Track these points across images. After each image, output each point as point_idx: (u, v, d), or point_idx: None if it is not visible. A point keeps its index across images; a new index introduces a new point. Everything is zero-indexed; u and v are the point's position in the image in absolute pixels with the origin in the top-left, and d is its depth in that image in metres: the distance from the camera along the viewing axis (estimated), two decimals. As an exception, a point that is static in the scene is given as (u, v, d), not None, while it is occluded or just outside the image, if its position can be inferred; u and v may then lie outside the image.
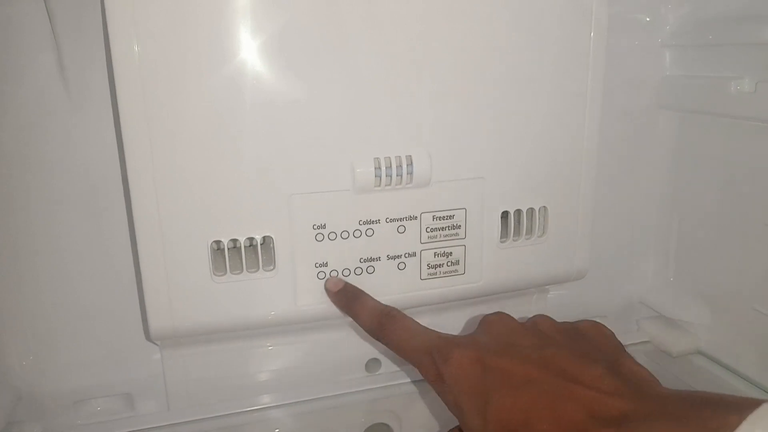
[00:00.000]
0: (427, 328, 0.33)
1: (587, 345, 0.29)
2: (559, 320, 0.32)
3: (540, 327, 0.30)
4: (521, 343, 0.29)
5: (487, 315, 0.32)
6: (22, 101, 0.39)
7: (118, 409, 0.45)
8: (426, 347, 0.31)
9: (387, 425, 0.49)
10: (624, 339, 0.53)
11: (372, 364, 0.48)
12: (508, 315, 0.32)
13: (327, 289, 0.40)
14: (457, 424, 0.31)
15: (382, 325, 0.35)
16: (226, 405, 0.44)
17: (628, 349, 0.52)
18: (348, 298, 0.39)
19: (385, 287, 0.42)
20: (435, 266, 0.42)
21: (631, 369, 0.27)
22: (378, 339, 0.35)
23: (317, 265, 0.40)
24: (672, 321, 0.53)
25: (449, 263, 0.43)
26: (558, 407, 0.25)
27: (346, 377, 0.47)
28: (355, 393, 0.47)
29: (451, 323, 0.48)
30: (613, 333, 0.31)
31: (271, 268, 0.39)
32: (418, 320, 0.46)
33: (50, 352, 0.43)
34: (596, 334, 0.30)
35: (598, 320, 0.32)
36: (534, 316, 0.32)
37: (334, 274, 0.40)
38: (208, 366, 0.44)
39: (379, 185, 0.39)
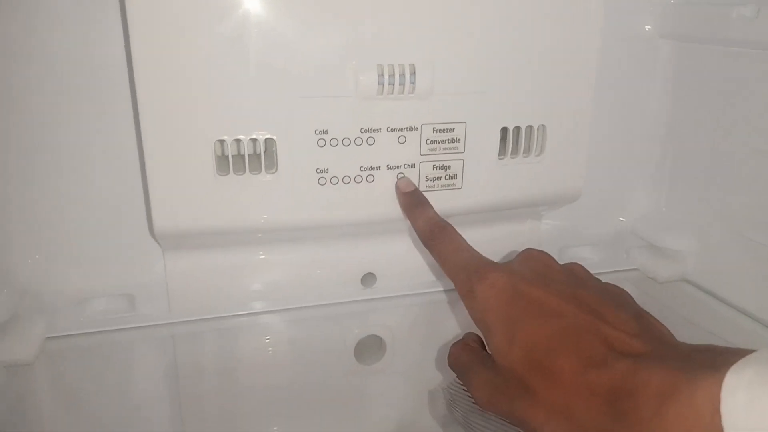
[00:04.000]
0: (473, 249, 0.35)
1: (615, 296, 0.31)
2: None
3: (574, 271, 0.33)
4: (556, 279, 0.31)
5: (529, 248, 0.34)
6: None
7: (120, 308, 0.46)
8: (465, 264, 0.33)
9: (379, 337, 0.51)
10: (612, 265, 0.55)
11: (368, 279, 0.49)
12: (548, 254, 0.33)
13: (397, 187, 0.43)
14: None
15: (434, 234, 0.37)
16: (223, 308, 0.46)
17: (616, 275, 0.55)
18: (413, 202, 0.41)
19: (384, 197, 0.43)
20: (433, 179, 0.43)
21: (652, 322, 0.29)
22: (427, 247, 0.37)
23: (318, 170, 0.41)
24: (661, 249, 0.54)
25: (447, 177, 0.43)
26: (582, 339, 0.27)
27: (342, 289, 0.49)
28: (349, 303, 0.49)
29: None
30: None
31: (273, 171, 0.40)
32: (414, 239, 0.48)
33: (56, 252, 0.44)
34: (622, 293, 0.32)
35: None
36: (569, 263, 0.34)
37: (334, 181, 0.41)
38: (208, 271, 0.45)
39: (382, 93, 0.40)
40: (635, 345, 0.26)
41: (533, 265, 0.32)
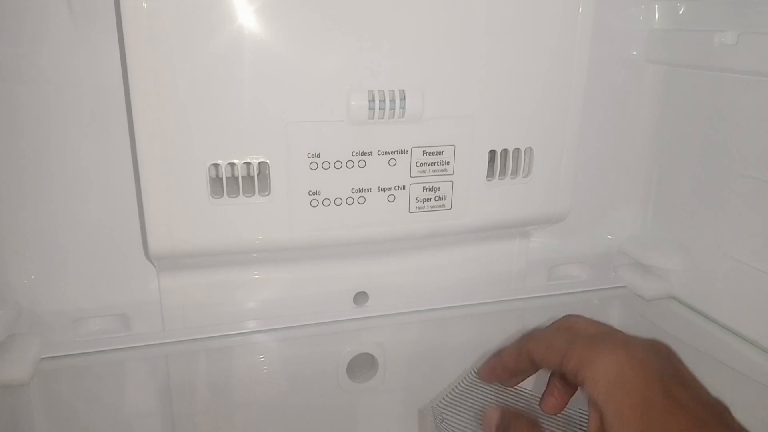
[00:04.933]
0: None
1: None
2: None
3: (694, 377, 0.29)
4: (691, 383, 0.28)
5: (656, 339, 0.30)
6: (25, 21, 0.40)
7: (115, 328, 0.46)
8: (578, 335, 0.30)
9: (371, 355, 0.51)
10: (600, 283, 0.56)
11: (360, 297, 0.50)
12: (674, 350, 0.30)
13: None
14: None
15: None
16: (217, 327, 0.46)
17: (604, 293, 0.56)
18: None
19: (375, 218, 0.44)
20: (423, 200, 0.44)
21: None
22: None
23: (310, 192, 0.42)
24: (648, 268, 0.55)
25: (437, 198, 0.44)
26: None
27: (334, 308, 0.49)
28: (341, 322, 0.49)
29: (438, 262, 0.50)
30: None
31: (267, 193, 0.41)
32: (405, 258, 0.49)
33: (51, 273, 0.44)
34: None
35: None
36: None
37: (326, 202, 0.42)
38: (202, 290, 0.46)
39: (373, 118, 0.41)
40: None
41: (667, 357, 0.29)
